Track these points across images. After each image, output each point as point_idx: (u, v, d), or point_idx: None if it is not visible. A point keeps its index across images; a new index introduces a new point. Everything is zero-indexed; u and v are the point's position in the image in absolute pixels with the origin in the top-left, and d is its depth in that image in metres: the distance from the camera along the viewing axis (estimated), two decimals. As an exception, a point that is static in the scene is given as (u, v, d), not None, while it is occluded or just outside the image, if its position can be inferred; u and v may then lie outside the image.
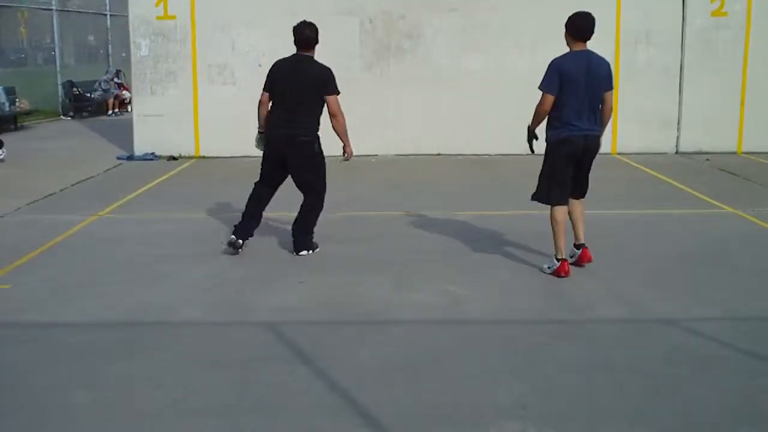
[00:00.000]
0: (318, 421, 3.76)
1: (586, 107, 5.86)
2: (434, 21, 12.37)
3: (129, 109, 18.81)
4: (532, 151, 6.22)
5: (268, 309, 5.35)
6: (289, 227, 6.75)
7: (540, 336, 4.84)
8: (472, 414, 3.84)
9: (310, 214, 6.68)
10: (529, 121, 6.01)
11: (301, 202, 6.68)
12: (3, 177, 10.63)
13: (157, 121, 12.40)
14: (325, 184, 6.67)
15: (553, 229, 6.00)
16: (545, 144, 5.99)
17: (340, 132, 6.55)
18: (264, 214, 6.76)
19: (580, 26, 5.85)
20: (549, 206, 6.04)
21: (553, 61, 5.88)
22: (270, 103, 6.58)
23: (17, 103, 16.78)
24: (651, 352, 4.58)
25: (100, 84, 20.30)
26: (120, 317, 5.22)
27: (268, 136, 6.57)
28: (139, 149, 12.47)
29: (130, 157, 12.32)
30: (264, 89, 6.58)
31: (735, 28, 12.18)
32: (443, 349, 4.65)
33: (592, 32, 5.87)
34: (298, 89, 6.41)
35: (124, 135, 13.54)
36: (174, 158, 12.30)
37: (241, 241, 6.61)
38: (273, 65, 6.61)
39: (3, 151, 11.84)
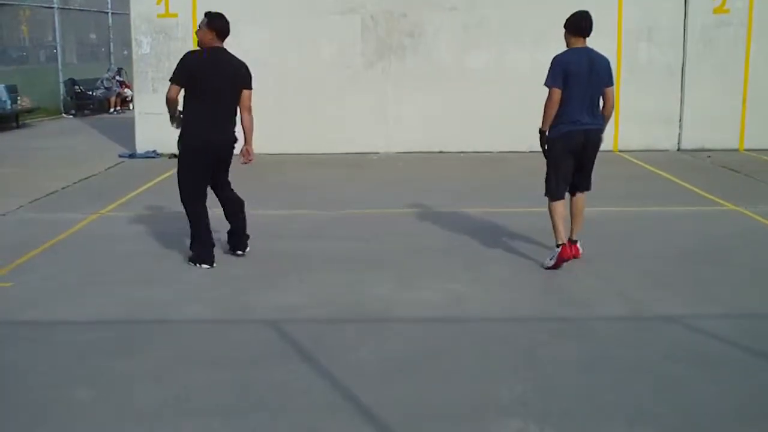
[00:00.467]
0: (318, 419, 3.76)
1: (587, 102, 5.93)
2: (435, 19, 12.35)
3: (131, 107, 18.83)
4: (546, 156, 6.14)
5: (269, 307, 5.35)
6: (290, 226, 6.73)
7: (541, 334, 4.84)
8: (472, 412, 3.84)
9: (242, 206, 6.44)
10: (539, 123, 5.99)
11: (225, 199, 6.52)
12: (4, 175, 10.64)
13: (159, 119, 12.17)
14: None
15: (552, 218, 6.06)
16: (547, 140, 6.00)
17: (251, 129, 6.15)
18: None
19: (579, 23, 5.94)
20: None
21: (555, 57, 5.95)
22: (183, 99, 6.07)
23: (19, 101, 16.75)
24: (652, 350, 4.57)
25: (101, 82, 20.29)
26: (121, 315, 5.22)
27: (199, 142, 6.20)
28: (140, 147, 12.46)
29: (132, 155, 12.32)
30: (175, 83, 5.96)
31: (737, 25, 12.16)
32: (444, 347, 4.65)
33: (591, 29, 5.97)
34: (231, 87, 6.03)
35: (125, 133, 13.53)
36: (176, 156, 12.21)
37: (215, 264, 6.22)
38: (189, 59, 6.03)
39: None
